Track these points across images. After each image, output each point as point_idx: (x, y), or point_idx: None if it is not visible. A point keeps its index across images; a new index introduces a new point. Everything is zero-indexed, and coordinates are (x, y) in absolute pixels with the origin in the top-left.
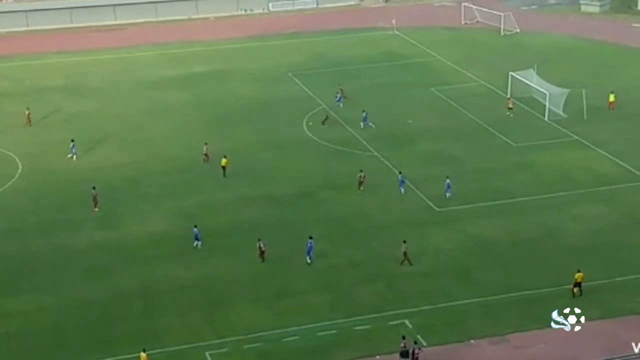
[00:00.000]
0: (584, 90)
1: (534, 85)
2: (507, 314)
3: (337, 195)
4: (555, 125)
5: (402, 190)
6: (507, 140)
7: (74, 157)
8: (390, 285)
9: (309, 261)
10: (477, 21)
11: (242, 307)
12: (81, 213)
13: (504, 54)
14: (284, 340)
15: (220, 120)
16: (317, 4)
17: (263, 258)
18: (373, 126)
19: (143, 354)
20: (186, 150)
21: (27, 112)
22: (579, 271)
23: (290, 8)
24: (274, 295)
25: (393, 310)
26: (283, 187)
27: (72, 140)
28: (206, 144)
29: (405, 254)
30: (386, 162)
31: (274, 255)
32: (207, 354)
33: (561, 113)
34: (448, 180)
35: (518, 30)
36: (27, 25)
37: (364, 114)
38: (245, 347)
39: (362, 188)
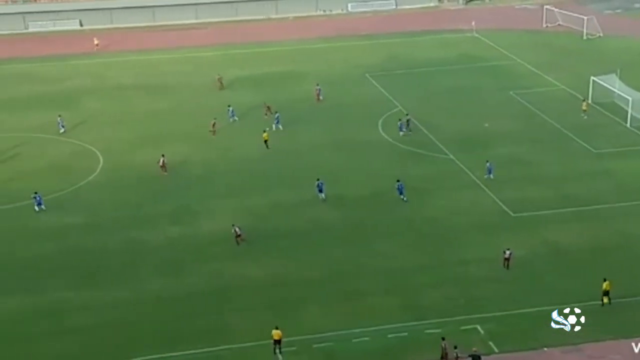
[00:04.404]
0: None
1: (617, 91)
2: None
3: (409, 197)
4: (637, 132)
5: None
6: (587, 146)
7: (233, 120)
8: (461, 289)
9: (323, 197)
10: (559, 24)
11: (311, 307)
12: (157, 209)
13: (586, 58)
14: (354, 340)
15: (293, 121)
16: (396, 5)
17: (238, 242)
18: (281, 128)
19: (276, 330)
20: (257, 150)
21: (218, 77)
22: (605, 280)
23: (368, 9)
24: (342, 296)
25: (464, 315)
26: (354, 189)
27: (229, 106)
28: (266, 103)
29: (507, 259)
30: (461, 165)
31: (341, 257)
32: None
33: None
34: (488, 164)
35: (601, 34)
36: (112, 23)
37: (276, 114)
38: (315, 346)
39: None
